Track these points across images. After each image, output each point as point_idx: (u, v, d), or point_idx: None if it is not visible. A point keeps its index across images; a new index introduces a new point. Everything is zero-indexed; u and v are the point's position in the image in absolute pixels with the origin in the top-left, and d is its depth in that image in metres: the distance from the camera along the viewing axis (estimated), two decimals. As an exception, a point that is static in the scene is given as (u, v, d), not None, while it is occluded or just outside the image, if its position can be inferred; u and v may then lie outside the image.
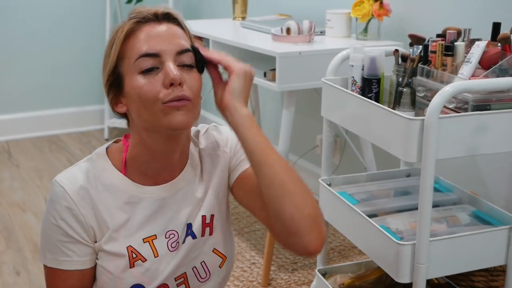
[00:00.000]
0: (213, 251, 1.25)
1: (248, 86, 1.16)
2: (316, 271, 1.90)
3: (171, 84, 1.10)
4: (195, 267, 1.23)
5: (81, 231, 1.17)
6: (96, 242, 1.19)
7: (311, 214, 1.09)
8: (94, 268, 1.21)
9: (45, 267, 1.21)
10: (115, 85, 1.15)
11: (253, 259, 2.49)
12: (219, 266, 1.26)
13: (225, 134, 1.30)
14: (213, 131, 1.30)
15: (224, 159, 1.27)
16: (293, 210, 1.08)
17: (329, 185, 1.81)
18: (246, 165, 1.25)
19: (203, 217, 1.24)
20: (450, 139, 1.40)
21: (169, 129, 1.12)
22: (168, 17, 1.16)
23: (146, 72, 1.11)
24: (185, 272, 1.22)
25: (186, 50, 1.14)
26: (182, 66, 1.13)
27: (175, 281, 1.21)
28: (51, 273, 1.21)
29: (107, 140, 3.91)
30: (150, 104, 1.10)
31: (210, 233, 1.24)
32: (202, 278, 1.24)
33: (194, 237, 1.23)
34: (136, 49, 1.12)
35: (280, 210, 1.09)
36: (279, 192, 1.09)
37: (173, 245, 1.21)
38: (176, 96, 1.10)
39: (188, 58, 1.14)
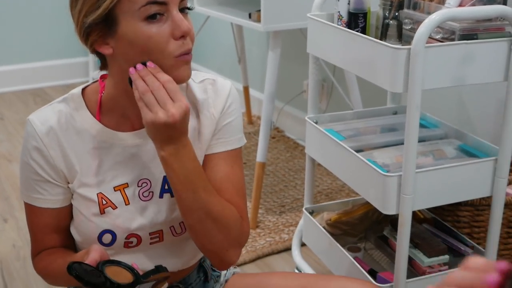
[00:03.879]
0: None
1: (162, 135, 1.05)
2: (304, 209, 1.90)
3: (182, 36, 1.05)
4: (172, 226, 1.21)
5: (51, 172, 1.16)
6: (69, 183, 1.17)
7: (211, 250, 1.18)
8: (69, 207, 1.20)
9: (24, 202, 1.21)
10: (103, 24, 1.05)
11: (241, 203, 2.50)
12: None
13: (221, 95, 1.21)
14: (210, 85, 1.22)
15: (212, 123, 1.20)
16: (196, 242, 1.18)
17: (316, 123, 1.80)
18: (218, 149, 1.21)
19: None
20: (436, 69, 1.38)
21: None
22: None
23: (151, 19, 1.03)
24: (162, 230, 1.20)
25: None
26: (181, 10, 1.07)
27: (149, 235, 1.19)
28: (28, 209, 1.21)
29: (92, 91, 3.87)
30: (158, 55, 1.05)
31: None
32: (177, 233, 1.22)
33: (172, 195, 1.18)
34: None
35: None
36: (186, 227, 1.17)
37: (145, 194, 1.18)
38: (187, 49, 1.06)
39: (186, 1, 1.08)
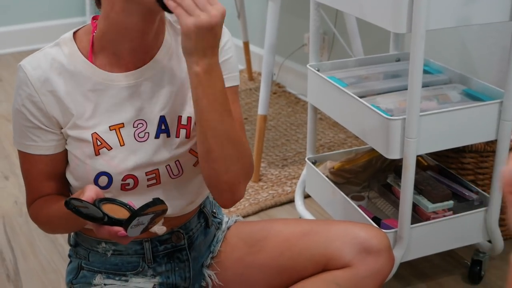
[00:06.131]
0: (189, 152, 1.20)
1: (202, 42, 1.03)
2: (306, 159, 1.88)
3: None
4: (168, 165, 1.19)
5: (42, 119, 1.14)
6: (62, 128, 1.16)
7: (227, 181, 1.15)
8: (64, 153, 1.18)
9: (18, 150, 1.20)
10: None
11: (243, 158, 2.48)
12: (193, 165, 1.22)
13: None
14: None
15: None
16: (211, 172, 1.15)
17: (318, 71, 1.77)
18: None
19: (179, 117, 1.18)
20: (440, 8, 1.35)
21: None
22: None
23: None
24: (158, 169, 1.18)
25: None
26: None
27: (146, 175, 1.18)
28: (22, 157, 1.20)
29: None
30: None
31: (187, 136, 1.19)
32: (174, 175, 1.21)
33: (168, 135, 1.18)
34: None
35: (202, 166, 1.15)
36: (204, 154, 1.13)
37: (141, 135, 1.17)
38: None
39: None
